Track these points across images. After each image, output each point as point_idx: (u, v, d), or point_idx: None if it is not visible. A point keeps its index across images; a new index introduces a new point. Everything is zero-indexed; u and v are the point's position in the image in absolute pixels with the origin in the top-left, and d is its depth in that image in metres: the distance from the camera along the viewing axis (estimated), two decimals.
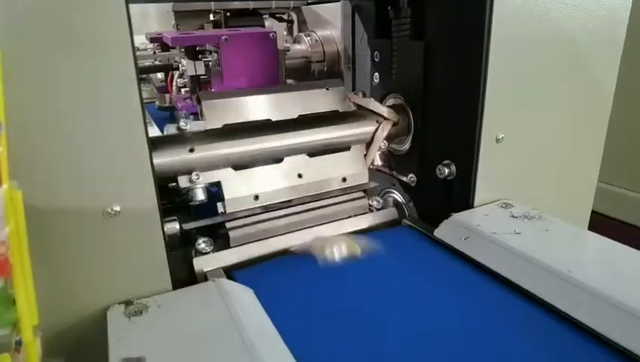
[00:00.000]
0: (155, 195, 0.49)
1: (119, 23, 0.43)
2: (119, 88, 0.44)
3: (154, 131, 1.03)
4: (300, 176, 0.71)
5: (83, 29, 0.42)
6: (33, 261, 0.38)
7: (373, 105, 0.75)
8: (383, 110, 0.75)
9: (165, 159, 0.60)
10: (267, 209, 0.69)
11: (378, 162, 0.79)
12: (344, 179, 0.75)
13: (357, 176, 0.75)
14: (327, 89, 0.76)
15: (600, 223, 0.92)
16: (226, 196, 0.66)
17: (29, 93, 0.41)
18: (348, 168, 0.75)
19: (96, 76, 0.43)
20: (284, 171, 0.70)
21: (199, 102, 0.68)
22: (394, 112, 0.76)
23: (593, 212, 0.88)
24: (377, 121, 0.76)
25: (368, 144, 0.77)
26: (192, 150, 0.61)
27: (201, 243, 0.63)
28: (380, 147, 0.76)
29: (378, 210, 0.77)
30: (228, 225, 0.66)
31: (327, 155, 0.74)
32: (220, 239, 0.66)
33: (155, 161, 0.56)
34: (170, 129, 0.63)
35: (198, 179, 0.62)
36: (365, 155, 0.77)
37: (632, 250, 0.57)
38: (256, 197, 0.68)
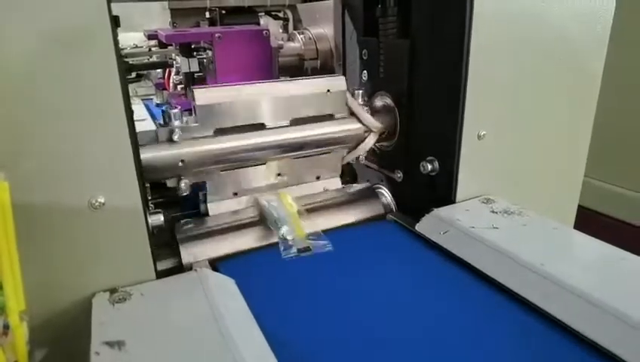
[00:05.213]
0: (139, 188, 0.51)
1: (101, 20, 0.44)
2: (102, 84, 0.46)
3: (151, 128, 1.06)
4: (279, 175, 0.75)
5: (66, 26, 0.44)
6: (21, 249, 0.40)
7: (365, 117, 0.76)
8: (373, 124, 0.77)
9: (155, 164, 0.62)
10: None
11: (353, 161, 0.81)
12: (318, 178, 0.79)
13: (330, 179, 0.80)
14: (328, 91, 0.75)
15: (589, 219, 0.94)
16: (209, 194, 0.70)
17: (14, 87, 0.43)
18: (323, 170, 0.79)
19: (79, 72, 0.45)
20: (264, 171, 0.74)
21: (193, 98, 0.69)
22: (382, 125, 0.78)
23: (583, 208, 0.89)
24: (365, 132, 0.77)
25: (351, 149, 0.79)
26: (182, 161, 0.64)
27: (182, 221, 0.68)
28: (359, 156, 0.79)
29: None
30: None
31: (305, 158, 0.77)
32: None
33: (146, 166, 0.59)
34: (162, 133, 0.64)
35: (185, 187, 0.66)
36: (343, 157, 0.80)
37: (605, 245, 0.58)
38: (235, 194, 0.72)
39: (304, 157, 0.76)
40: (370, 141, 0.78)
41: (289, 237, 0.64)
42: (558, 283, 0.50)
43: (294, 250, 0.62)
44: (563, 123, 0.78)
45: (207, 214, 0.70)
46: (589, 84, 0.79)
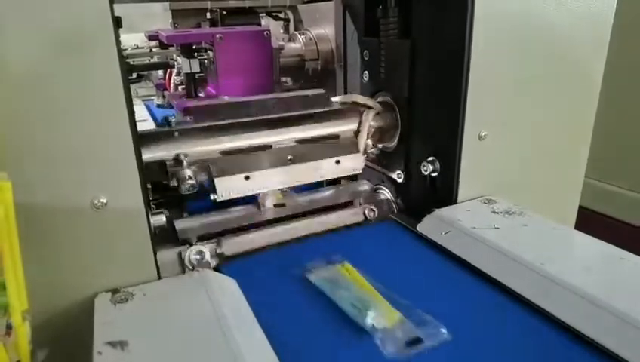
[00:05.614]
0: (141, 188, 0.51)
1: (104, 21, 0.45)
2: (104, 84, 0.46)
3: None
4: (290, 160, 0.71)
5: (68, 27, 0.44)
6: (23, 249, 0.40)
7: (355, 97, 0.77)
8: (363, 99, 0.77)
9: (153, 151, 0.62)
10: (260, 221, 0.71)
11: (370, 148, 0.80)
12: (338, 162, 0.73)
13: (351, 160, 0.75)
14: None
15: (589, 219, 0.94)
16: (216, 178, 0.64)
17: (16, 88, 0.44)
18: (342, 151, 0.75)
19: (81, 73, 0.45)
20: (274, 154, 0.71)
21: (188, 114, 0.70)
22: (375, 101, 0.78)
23: (583, 208, 0.89)
24: (360, 111, 0.78)
25: (356, 134, 0.78)
26: (179, 132, 0.64)
27: (194, 254, 0.63)
28: (368, 134, 0.78)
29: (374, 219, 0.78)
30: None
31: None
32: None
33: (143, 151, 0.59)
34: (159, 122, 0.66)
35: (186, 157, 0.62)
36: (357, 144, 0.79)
37: (605, 245, 0.58)
38: (247, 178, 0.66)
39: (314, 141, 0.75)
40: (369, 116, 0.77)
41: (381, 326, 0.47)
42: (559, 283, 0.51)
43: (400, 344, 0.45)
44: (563, 123, 0.78)
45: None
46: (590, 84, 0.79)
